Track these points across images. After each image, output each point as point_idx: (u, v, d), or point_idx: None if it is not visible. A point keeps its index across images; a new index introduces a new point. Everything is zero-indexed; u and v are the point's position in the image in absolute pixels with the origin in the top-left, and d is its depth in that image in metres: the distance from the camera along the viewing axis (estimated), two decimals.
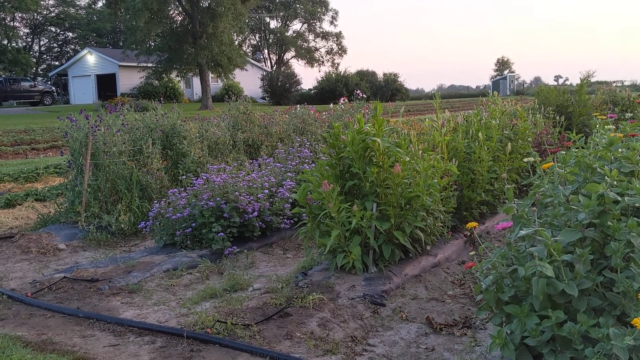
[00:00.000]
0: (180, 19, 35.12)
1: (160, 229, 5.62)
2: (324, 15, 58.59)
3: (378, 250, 4.34)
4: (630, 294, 2.50)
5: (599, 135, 3.57)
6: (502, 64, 75.24)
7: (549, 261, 2.61)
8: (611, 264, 2.63)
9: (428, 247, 4.71)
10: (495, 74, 71.58)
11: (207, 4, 33.49)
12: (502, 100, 8.03)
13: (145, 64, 35.24)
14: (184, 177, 6.63)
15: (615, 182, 2.87)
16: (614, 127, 3.78)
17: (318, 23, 59.23)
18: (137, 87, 38.90)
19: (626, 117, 4.58)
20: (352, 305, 3.81)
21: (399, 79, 51.46)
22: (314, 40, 59.93)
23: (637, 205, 2.78)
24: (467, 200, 5.40)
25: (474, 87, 77.95)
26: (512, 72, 68.19)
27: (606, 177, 2.85)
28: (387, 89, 49.28)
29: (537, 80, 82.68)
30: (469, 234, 5.16)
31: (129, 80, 40.63)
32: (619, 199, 2.78)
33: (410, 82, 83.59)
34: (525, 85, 65.17)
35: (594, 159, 3.20)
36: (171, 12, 34.83)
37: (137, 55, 34.22)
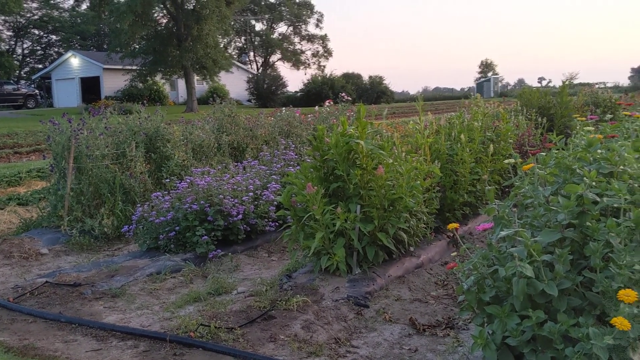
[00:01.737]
0: (165, 21, 34.97)
1: (143, 233, 5.59)
2: (309, 17, 58.67)
3: (362, 252, 4.36)
4: (609, 293, 2.52)
5: (579, 137, 3.61)
6: (486, 66, 75.80)
7: (529, 261, 2.64)
8: (590, 264, 2.66)
9: (411, 249, 4.73)
10: (480, 76, 72.13)
11: (191, 7, 33.38)
12: (485, 102, 8.10)
13: (129, 67, 35.01)
14: (168, 180, 6.60)
15: (594, 183, 2.91)
16: (593, 128, 3.82)
17: (303, 26, 59.29)
18: (122, 90, 38.62)
19: (606, 118, 4.65)
20: (336, 307, 3.82)
21: (384, 82, 51.71)
22: (299, 42, 60.00)
23: (615, 205, 2.81)
24: (450, 201, 5.44)
25: (458, 89, 78.50)
26: (496, 74, 68.78)
27: (585, 178, 2.89)
28: (372, 92, 49.44)
29: (520, 82, 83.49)
30: (451, 235, 5.19)
31: (113, 83, 40.32)
32: (598, 199, 2.81)
33: (396, 84, 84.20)
34: (509, 87, 65.74)
35: (574, 160, 3.23)
36: (156, 15, 34.64)
37: (121, 58, 34.01)
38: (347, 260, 4.33)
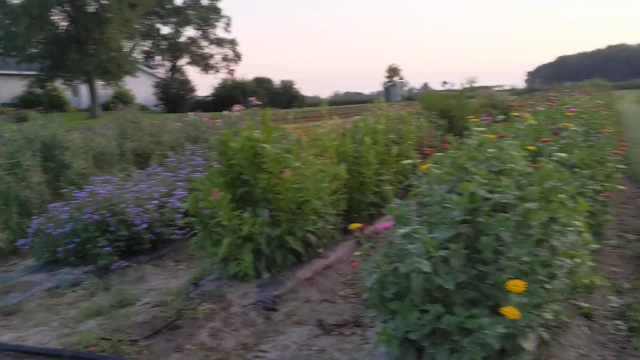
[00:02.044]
0: (65, 24, 33.28)
1: (40, 246, 5.28)
2: (217, 21, 57.84)
3: (271, 256, 4.34)
4: (500, 285, 2.66)
5: (472, 137, 3.80)
6: (392, 72, 77.99)
7: (426, 257, 2.72)
8: (483, 257, 2.81)
9: (320, 250, 4.77)
10: (387, 80, 74.13)
11: (93, 9, 32.01)
12: (389, 106, 8.34)
13: (27, 72, 33.02)
14: (67, 190, 6.27)
15: (485, 181, 3.07)
16: (485, 129, 4.03)
17: (212, 29, 58.39)
18: (19, 96, 36.35)
19: (499, 119, 4.92)
20: (244, 313, 3.78)
21: (295, 86, 52.01)
22: (208, 46, 59.02)
23: (504, 201, 2.97)
24: (357, 202, 5.54)
25: (368, 93, 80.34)
26: (402, 79, 71.03)
27: (476, 176, 3.04)
28: (284, 96, 49.63)
29: (425, 86, 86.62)
30: (362, 235, 5.28)
31: (9, 90, 37.81)
32: (489, 196, 2.97)
33: (308, 89, 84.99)
34: (414, 91, 68.06)
35: (467, 160, 3.39)
36: (54, 18, 32.91)
37: (17, 62, 32.02)
38: (255, 265, 4.30)
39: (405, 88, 64.36)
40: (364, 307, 3.63)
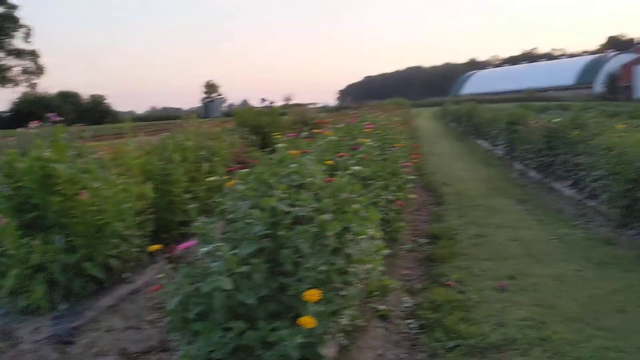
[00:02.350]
0: None
1: None
2: (14, 31, 52.52)
3: (67, 285, 4.00)
4: (300, 295, 2.74)
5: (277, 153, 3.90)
6: (211, 87, 77.74)
7: (228, 274, 2.72)
8: (284, 269, 2.88)
9: (126, 275, 4.52)
10: (206, 96, 73.60)
11: None
12: (205, 122, 8.26)
13: None
14: None
15: (286, 195, 3.16)
16: (289, 145, 4.16)
17: (9, 40, 52.81)
18: None
19: (303, 135, 5.12)
20: (35, 349, 3.43)
21: (107, 101, 49.26)
22: (6, 57, 53.24)
23: (303, 214, 3.08)
24: (166, 222, 5.36)
25: (186, 109, 78.88)
26: (220, 95, 71.15)
27: (276, 190, 3.12)
28: (94, 111, 46.68)
29: (245, 102, 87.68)
30: (169, 256, 5.11)
31: None
32: (289, 209, 3.06)
33: (126, 104, 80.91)
34: (233, 107, 68.52)
35: (270, 175, 3.46)
36: None
37: None
38: (50, 296, 3.93)
39: (225, 104, 64.49)
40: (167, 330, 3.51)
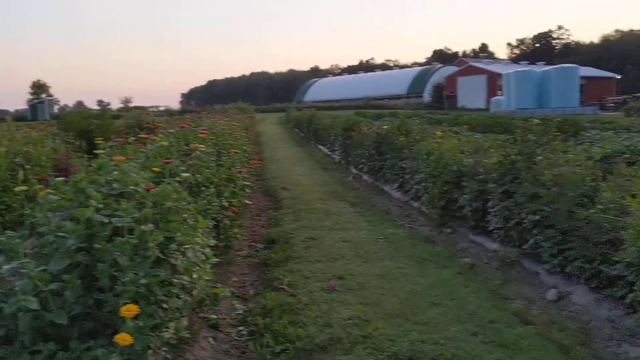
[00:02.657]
0: None
1: None
2: None
3: None
4: (117, 311, 2.60)
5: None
6: (39, 88, 71.41)
7: (35, 293, 2.50)
8: (101, 285, 2.71)
9: None
10: (33, 97, 67.43)
11: None
12: (23, 127, 7.58)
13: None
14: None
15: (104, 205, 2.98)
16: (111, 151, 3.95)
17: None
18: None
19: (130, 140, 4.89)
20: None
21: None
22: None
23: (121, 225, 2.93)
24: None
25: (12, 110, 71.61)
26: (51, 96, 65.72)
27: (92, 200, 2.93)
28: None
29: (80, 104, 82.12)
30: None
31: None
32: (107, 220, 2.89)
33: None
34: (67, 110, 63.75)
35: (87, 184, 3.25)
36: None
37: None
38: None
39: (57, 106, 59.72)
40: None
